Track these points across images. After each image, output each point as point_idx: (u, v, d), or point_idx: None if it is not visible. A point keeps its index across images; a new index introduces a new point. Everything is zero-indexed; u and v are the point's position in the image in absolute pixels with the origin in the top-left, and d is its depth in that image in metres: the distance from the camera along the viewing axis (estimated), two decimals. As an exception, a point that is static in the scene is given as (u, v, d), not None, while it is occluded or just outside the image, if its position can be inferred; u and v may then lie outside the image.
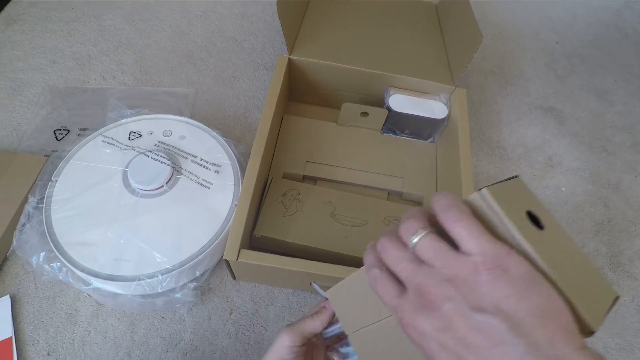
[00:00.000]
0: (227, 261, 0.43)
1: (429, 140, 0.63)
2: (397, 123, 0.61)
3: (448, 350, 0.18)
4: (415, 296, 0.20)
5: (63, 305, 0.49)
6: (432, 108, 0.58)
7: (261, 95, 0.70)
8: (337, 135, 0.60)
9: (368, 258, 0.23)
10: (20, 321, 0.48)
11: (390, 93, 0.59)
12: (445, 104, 0.58)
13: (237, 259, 0.42)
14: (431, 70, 0.60)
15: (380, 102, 0.62)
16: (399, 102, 0.58)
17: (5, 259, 0.51)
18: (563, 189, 0.64)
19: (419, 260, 0.20)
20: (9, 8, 0.78)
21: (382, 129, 0.63)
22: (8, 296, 0.49)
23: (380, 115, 0.59)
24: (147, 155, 0.53)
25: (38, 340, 0.47)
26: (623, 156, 0.70)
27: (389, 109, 0.58)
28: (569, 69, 0.81)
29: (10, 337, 0.46)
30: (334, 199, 0.53)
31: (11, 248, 0.50)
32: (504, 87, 0.76)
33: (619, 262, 0.59)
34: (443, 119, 0.58)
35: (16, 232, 0.49)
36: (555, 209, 0.62)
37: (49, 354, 0.46)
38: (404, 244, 0.21)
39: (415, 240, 0.20)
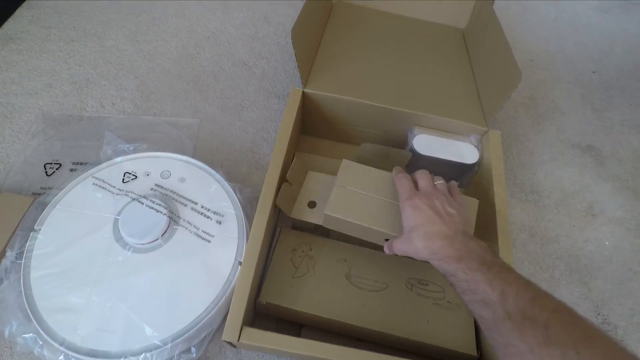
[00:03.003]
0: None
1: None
2: (423, 166, 0.53)
3: (427, 212, 0.36)
4: (423, 193, 0.38)
5: (42, 372, 0.42)
6: (462, 151, 0.51)
7: (271, 127, 0.63)
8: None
9: (399, 175, 0.42)
10: (-5, 392, 0.41)
11: (415, 133, 0.52)
12: (476, 147, 0.51)
13: (238, 340, 0.35)
14: (460, 107, 0.53)
15: (402, 141, 0.55)
16: (425, 144, 0.51)
17: (-19, 315, 0.45)
18: (607, 242, 0.56)
19: (435, 187, 0.40)
20: (7, 25, 0.73)
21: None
22: (-20, 360, 0.42)
23: (403, 157, 0.52)
24: (141, 203, 0.46)
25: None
26: (673, 203, 0.61)
27: (414, 152, 0.51)
28: (607, 101, 0.73)
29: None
30: (350, 256, 0.46)
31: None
32: (537, 122, 0.68)
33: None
34: (474, 164, 0.50)
35: (-9, 291, 0.42)
36: (598, 267, 0.54)
37: None
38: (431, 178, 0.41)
39: (437, 182, 0.41)
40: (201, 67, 0.70)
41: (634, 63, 0.80)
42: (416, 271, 0.46)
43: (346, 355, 0.35)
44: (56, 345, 0.38)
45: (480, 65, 0.57)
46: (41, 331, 0.39)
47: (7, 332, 0.40)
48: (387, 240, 0.41)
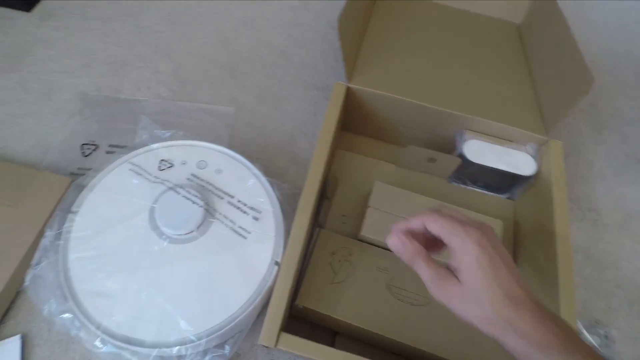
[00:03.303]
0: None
1: (506, 195, 0.55)
2: (471, 174, 0.53)
3: (496, 260, 0.28)
4: (478, 226, 0.30)
5: (75, 354, 0.45)
6: (517, 161, 0.50)
7: (309, 120, 0.64)
8: (396, 181, 0.53)
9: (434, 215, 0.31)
10: (28, 368, 0.44)
11: (465, 138, 0.51)
12: (534, 157, 0.50)
13: (275, 346, 0.36)
14: (516, 112, 0.52)
15: (449, 144, 0.54)
16: (476, 150, 0.51)
17: (20, 291, 0.48)
18: (672, 269, 0.55)
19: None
20: (44, 1, 0.76)
21: (449, 177, 0.55)
22: (19, 336, 0.46)
23: (450, 163, 0.52)
24: (177, 192, 0.48)
25: (45, 396, 0.43)
26: None
27: (463, 158, 0.51)
28: (679, 112, 0.70)
29: (15, 387, 0.43)
30: (391, 266, 0.47)
31: (25, 284, 0.46)
32: (598, 132, 0.67)
33: None
34: (530, 177, 0.50)
35: (30, 270, 0.45)
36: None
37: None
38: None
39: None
40: (238, 53, 0.71)
41: None
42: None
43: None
44: (93, 328, 0.40)
45: (541, 67, 0.56)
46: (79, 313, 0.41)
47: (46, 311, 0.42)
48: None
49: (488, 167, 0.50)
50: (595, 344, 0.46)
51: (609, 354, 0.46)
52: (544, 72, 0.55)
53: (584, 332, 0.47)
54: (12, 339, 0.45)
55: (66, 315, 0.42)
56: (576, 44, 0.48)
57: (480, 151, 0.51)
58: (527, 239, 0.50)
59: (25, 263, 0.47)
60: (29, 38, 0.70)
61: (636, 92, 0.72)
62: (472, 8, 0.65)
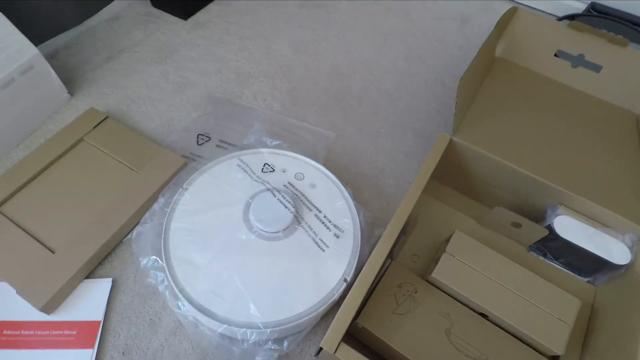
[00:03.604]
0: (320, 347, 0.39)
1: (587, 279, 0.53)
2: (555, 248, 0.52)
3: None
4: None
5: (150, 309, 0.51)
6: (610, 247, 0.48)
7: (401, 160, 0.67)
8: (476, 237, 0.53)
9: None
10: (112, 308, 0.50)
11: (558, 212, 0.51)
12: (630, 248, 0.48)
13: (334, 353, 0.38)
14: (620, 199, 0.50)
15: (537, 214, 0.54)
16: (566, 227, 0.50)
17: (121, 242, 0.55)
18: None
19: None
20: (199, 14, 0.89)
21: (530, 246, 0.54)
22: (111, 279, 0.52)
23: (536, 232, 0.52)
24: (274, 194, 0.53)
25: (119, 334, 0.48)
26: None
27: (551, 231, 0.50)
28: None
29: (100, 322, 0.49)
30: (453, 313, 0.47)
31: (128, 236, 0.54)
32: None
33: None
34: (622, 266, 0.47)
35: (138, 227, 0.52)
36: None
37: (124, 354, 0.47)
38: None
39: None
40: (348, 88, 0.78)
41: None
42: (519, 354, 0.45)
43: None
44: (176, 290, 0.45)
45: (654, 162, 0.54)
46: (168, 274, 0.46)
47: (142, 264, 0.48)
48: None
49: (578, 246, 0.49)
50: None
51: None
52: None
53: None
54: (106, 279, 0.52)
55: (160, 273, 0.48)
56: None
57: (571, 228, 0.50)
58: (604, 329, 0.47)
59: (134, 219, 0.54)
60: (180, 40, 0.83)
61: None
62: (590, 91, 0.65)
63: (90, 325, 0.49)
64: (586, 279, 0.53)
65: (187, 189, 0.54)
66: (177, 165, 0.59)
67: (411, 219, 0.54)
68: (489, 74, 0.66)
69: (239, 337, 0.43)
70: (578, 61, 0.66)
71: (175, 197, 0.53)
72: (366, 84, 0.78)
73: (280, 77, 0.78)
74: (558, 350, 0.44)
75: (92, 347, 0.47)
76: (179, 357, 0.48)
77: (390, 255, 0.51)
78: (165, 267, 0.47)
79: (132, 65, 0.77)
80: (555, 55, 0.66)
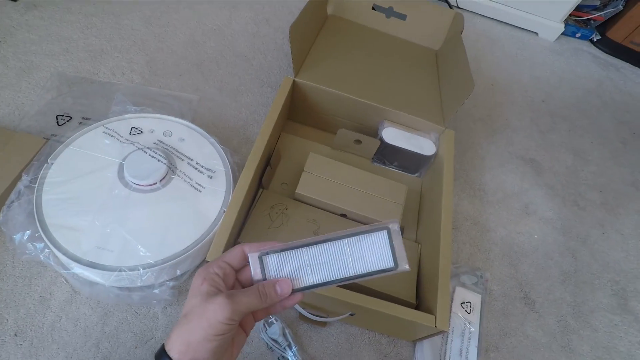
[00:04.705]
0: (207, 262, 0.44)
1: (416, 174, 0.67)
2: (388, 154, 0.64)
3: None
4: None
5: (38, 287, 0.49)
6: (422, 145, 0.62)
7: (262, 111, 0.73)
8: (329, 157, 0.62)
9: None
10: (-9, 298, 0.47)
11: (385, 125, 0.62)
12: (435, 143, 0.62)
13: (218, 262, 0.43)
14: (425, 109, 0.64)
15: (374, 133, 0.65)
16: (392, 135, 0.62)
17: (-14, 233, 0.51)
18: (535, 236, 0.68)
19: None
20: (31, -6, 0.81)
21: (372, 159, 0.66)
22: (-18, 271, 0.49)
23: (372, 144, 0.63)
24: (145, 152, 0.54)
25: (7, 319, 0.46)
26: (593, 213, 0.74)
27: (382, 140, 0.61)
28: (551, 125, 0.87)
29: (-22, 313, 0.46)
30: (319, 218, 0.55)
31: (-5, 224, 0.50)
32: (491, 135, 0.81)
33: (581, 311, 0.61)
34: (430, 156, 0.61)
35: (4, 208, 0.49)
36: (525, 254, 0.65)
37: (16, 335, 0.46)
38: None
39: None
40: (205, 54, 0.80)
41: (576, 98, 0.95)
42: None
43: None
44: (60, 254, 0.45)
45: (445, 79, 0.69)
46: (48, 242, 0.46)
47: (17, 240, 0.46)
48: None
49: (400, 147, 0.61)
50: (473, 283, 0.57)
51: (482, 290, 0.57)
52: (446, 83, 0.68)
53: (464, 275, 0.58)
54: (-23, 272, 0.48)
55: (39, 244, 0.46)
56: (467, 63, 0.60)
57: (395, 136, 0.62)
58: (425, 205, 0.61)
59: (-1, 204, 0.51)
60: (13, 23, 0.74)
61: (521, 109, 0.88)
62: (404, 36, 0.79)
63: (-29, 318, 0.46)
64: (415, 175, 0.67)
65: (52, 163, 0.52)
66: (37, 146, 0.56)
67: (274, 153, 0.61)
68: (323, 28, 0.75)
69: (134, 280, 0.46)
70: (389, 12, 0.78)
71: (41, 172, 0.51)
72: (221, 48, 0.81)
73: (135, 50, 0.76)
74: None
75: (-22, 336, 0.45)
76: (79, 322, 0.48)
77: (262, 186, 0.58)
78: (44, 236, 0.46)
79: (-43, 55, 0.67)
80: (373, 8, 0.78)
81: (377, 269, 0.32)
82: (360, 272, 0.32)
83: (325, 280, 0.32)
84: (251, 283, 0.32)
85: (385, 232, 0.32)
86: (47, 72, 0.69)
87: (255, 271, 0.32)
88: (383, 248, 0.32)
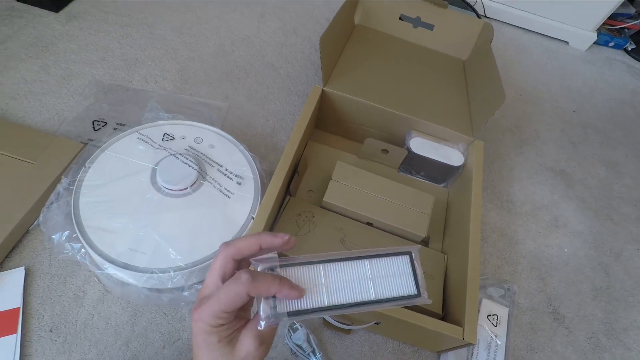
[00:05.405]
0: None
1: (442, 184, 0.66)
2: (415, 164, 0.63)
3: None
4: None
5: (72, 285, 0.50)
6: (450, 155, 0.61)
7: (289, 119, 0.73)
8: (356, 167, 0.62)
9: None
10: (30, 294, 0.49)
11: (412, 135, 0.62)
12: (463, 153, 0.61)
13: (248, 268, 0.43)
14: (453, 119, 0.63)
15: (401, 143, 0.64)
16: (419, 145, 0.61)
17: (27, 232, 0.53)
18: (565, 250, 0.65)
19: None
20: (72, 5, 0.84)
21: (399, 168, 0.65)
22: (23, 268, 0.50)
23: (399, 154, 0.62)
24: (177, 157, 0.55)
25: (43, 315, 0.48)
26: (627, 227, 0.71)
27: (409, 150, 0.61)
28: (583, 137, 0.84)
29: (19, 308, 0.47)
30: (345, 227, 0.55)
31: (35, 223, 0.52)
32: (519, 146, 0.79)
33: (613, 329, 0.59)
34: (459, 167, 0.60)
35: (44, 209, 0.51)
36: (555, 268, 0.63)
37: (51, 330, 0.47)
38: None
39: None
40: (234, 63, 0.81)
41: (609, 109, 0.92)
42: (398, 245, 0.55)
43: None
44: (95, 255, 0.46)
45: (474, 89, 0.68)
46: (84, 243, 0.47)
47: (56, 240, 0.48)
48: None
49: (428, 157, 0.60)
50: (500, 296, 0.56)
51: (510, 303, 0.55)
52: (476, 93, 0.67)
53: (491, 287, 0.56)
54: (17, 269, 0.50)
55: (76, 244, 0.48)
56: (497, 73, 0.60)
57: (422, 146, 0.61)
58: (452, 216, 0.60)
59: (38, 206, 0.52)
60: (55, 33, 0.78)
61: (551, 119, 0.86)
62: (431, 46, 0.78)
63: (9, 314, 0.47)
64: (441, 185, 0.66)
65: (89, 166, 0.54)
66: (75, 150, 0.58)
67: (301, 161, 0.61)
68: (351, 38, 0.75)
69: (165, 282, 0.46)
70: (417, 22, 0.78)
71: (79, 176, 0.53)
72: (250, 57, 0.82)
73: (167, 59, 0.79)
74: (422, 233, 0.55)
75: (15, 332, 0.46)
76: (110, 320, 0.49)
77: (289, 193, 0.58)
78: (80, 237, 0.47)
79: (3, 63, 0.71)
80: (400, 19, 0.78)
81: (399, 296, 0.28)
82: (382, 297, 0.28)
83: (341, 303, 0.27)
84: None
85: (407, 257, 0.29)
86: (85, 80, 0.72)
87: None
88: (405, 274, 0.28)
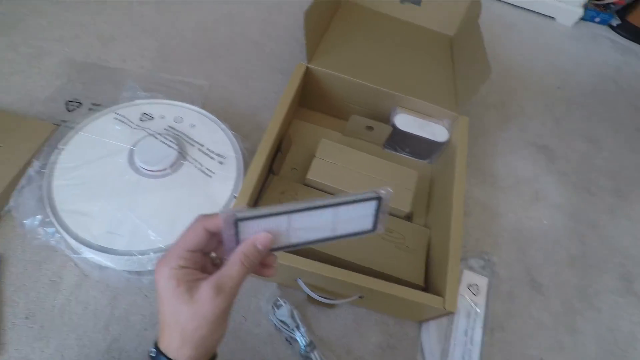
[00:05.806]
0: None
1: (427, 160, 0.64)
2: (400, 141, 0.61)
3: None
4: None
5: (48, 271, 0.48)
6: (434, 131, 0.59)
7: (273, 97, 0.71)
8: (341, 144, 0.60)
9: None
10: (3, 282, 0.46)
11: (397, 112, 0.60)
12: (447, 129, 0.59)
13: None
14: (438, 95, 0.61)
15: (386, 120, 0.62)
16: (404, 122, 0.59)
17: (-3, 218, 0.50)
18: (545, 221, 0.66)
19: None
20: (42, -20, 0.79)
21: (384, 145, 0.64)
22: (-5, 256, 0.48)
23: (384, 130, 0.60)
24: (155, 137, 0.53)
25: (18, 303, 0.45)
26: (604, 199, 0.72)
27: (394, 127, 0.59)
28: (566, 113, 0.83)
29: (-9, 296, 0.45)
30: (330, 204, 0.53)
31: (6, 208, 0.49)
32: (504, 121, 0.78)
33: (586, 294, 0.60)
34: (443, 143, 0.59)
35: (14, 193, 0.48)
36: (534, 239, 0.64)
37: (27, 317, 0.45)
38: None
39: None
40: (217, 40, 0.77)
41: (593, 85, 0.91)
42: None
43: (316, 268, 0.42)
44: (71, 239, 0.44)
45: (460, 64, 0.66)
46: (59, 227, 0.45)
47: (28, 225, 0.45)
48: None
49: (412, 134, 0.58)
50: (480, 266, 0.56)
51: (490, 273, 0.56)
52: (461, 69, 0.65)
53: (472, 258, 0.57)
54: (-12, 258, 0.48)
55: (49, 228, 0.45)
56: (484, 48, 0.57)
57: (407, 122, 0.59)
58: (436, 192, 0.59)
59: (8, 191, 0.49)
60: (23, 9, 0.73)
61: (536, 95, 0.85)
62: (418, 21, 0.76)
63: (-19, 303, 0.45)
64: (426, 160, 0.65)
65: (63, 148, 0.51)
66: (47, 132, 0.55)
67: (285, 139, 0.59)
68: (337, 15, 0.72)
69: (144, 264, 0.45)
70: (403, -3, 0.75)
71: (51, 158, 0.50)
72: (232, 34, 0.79)
73: (146, 36, 0.74)
74: (405, 208, 0.54)
75: (-11, 320, 0.44)
76: (89, 305, 0.47)
77: (273, 171, 0.56)
78: (55, 221, 0.45)
79: (-34, 43, 0.66)
80: (385, -7, 0.75)
81: (355, 232, 0.30)
82: (339, 234, 0.30)
83: (303, 241, 0.29)
84: (221, 254, 0.29)
85: (375, 202, 0.30)
86: (57, 59, 0.67)
87: (229, 238, 0.27)
88: (368, 215, 0.30)
